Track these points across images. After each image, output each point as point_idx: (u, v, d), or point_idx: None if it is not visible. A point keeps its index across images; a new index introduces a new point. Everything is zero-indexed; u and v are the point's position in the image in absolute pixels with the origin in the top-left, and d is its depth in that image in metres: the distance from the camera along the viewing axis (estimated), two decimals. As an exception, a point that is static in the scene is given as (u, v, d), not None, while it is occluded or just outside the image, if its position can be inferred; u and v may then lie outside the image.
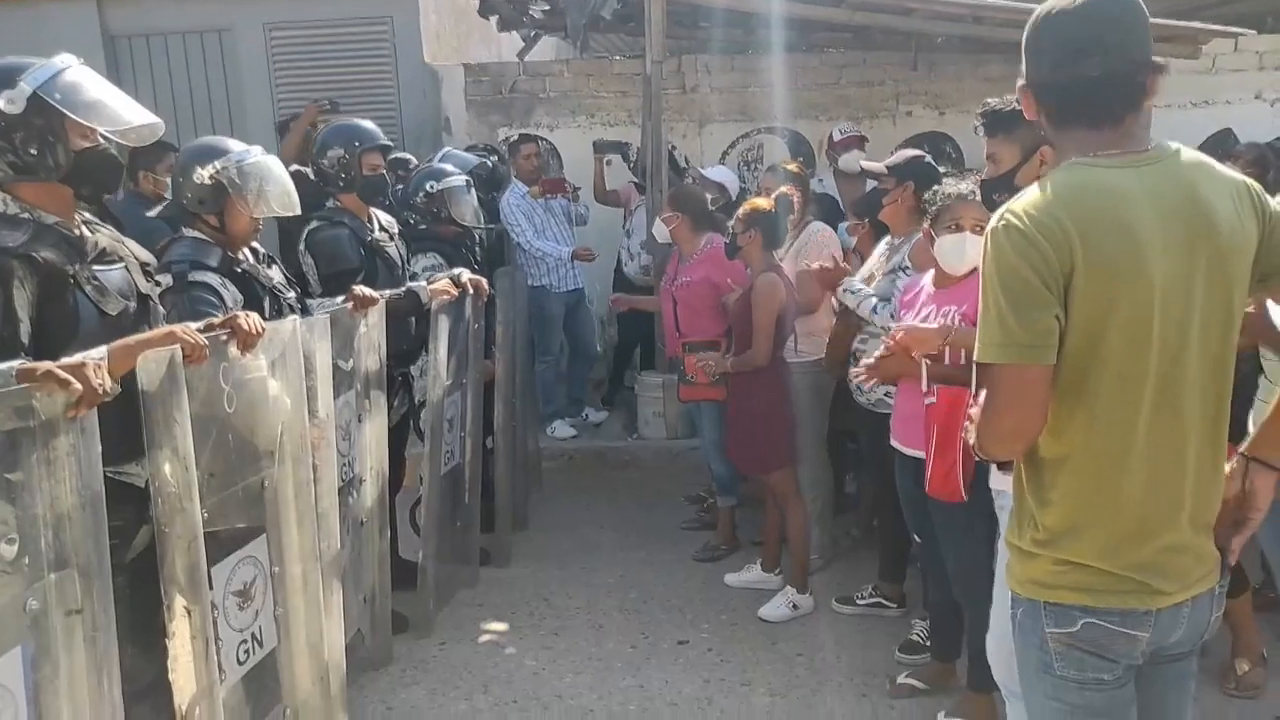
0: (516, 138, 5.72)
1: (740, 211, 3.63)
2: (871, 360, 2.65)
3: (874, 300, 3.12)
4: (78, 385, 1.60)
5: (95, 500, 1.65)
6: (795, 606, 3.53)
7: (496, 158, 5.49)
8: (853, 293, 3.18)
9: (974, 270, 2.61)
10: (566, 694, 3.05)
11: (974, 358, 1.45)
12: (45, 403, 1.57)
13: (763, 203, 3.63)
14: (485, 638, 3.45)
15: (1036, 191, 1.42)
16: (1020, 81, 1.52)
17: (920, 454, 2.65)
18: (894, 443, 2.85)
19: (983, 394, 1.47)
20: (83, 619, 1.63)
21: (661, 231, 4.17)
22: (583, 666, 3.21)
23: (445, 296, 3.39)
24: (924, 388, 2.53)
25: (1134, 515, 1.44)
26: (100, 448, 1.65)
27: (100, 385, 1.62)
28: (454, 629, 3.48)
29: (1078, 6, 1.42)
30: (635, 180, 5.73)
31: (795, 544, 3.58)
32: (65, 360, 1.65)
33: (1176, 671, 1.57)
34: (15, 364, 1.65)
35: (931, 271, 2.74)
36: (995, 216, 1.43)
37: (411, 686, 3.11)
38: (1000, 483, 2.23)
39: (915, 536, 2.87)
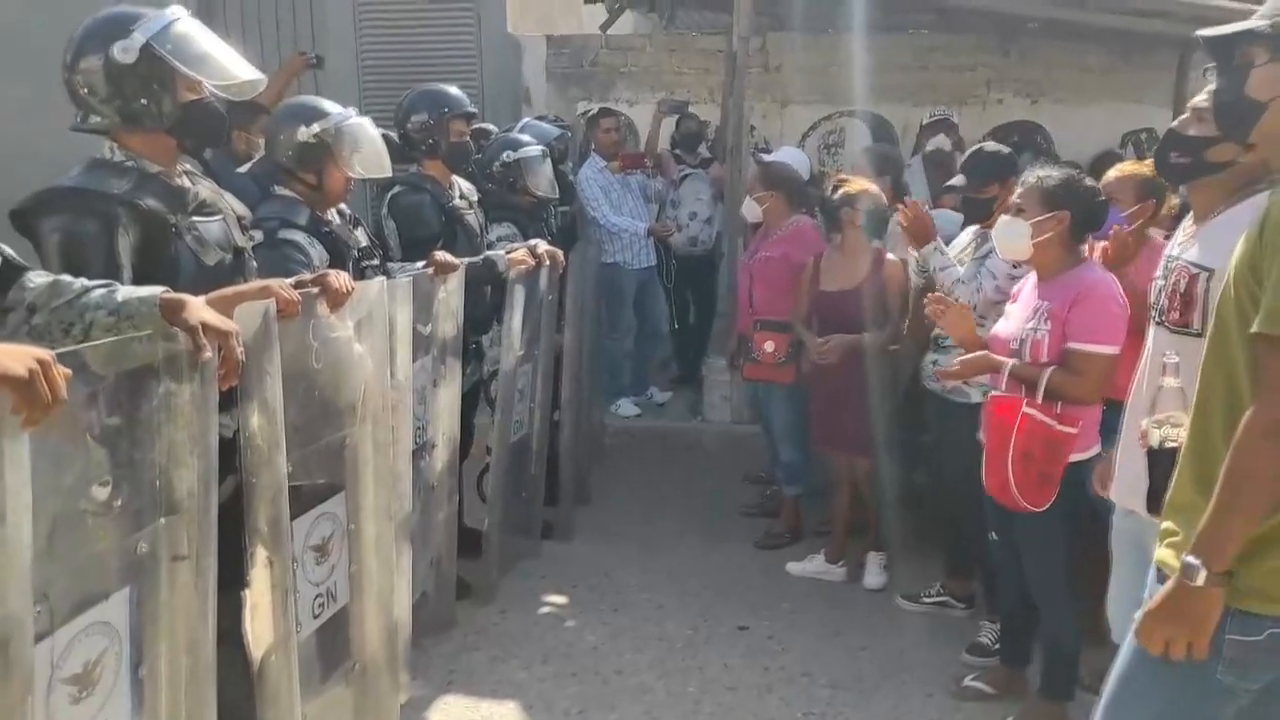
0: (596, 111, 5.68)
1: (849, 190, 3.60)
2: (968, 359, 2.61)
3: (958, 272, 3.05)
4: (209, 354, 1.62)
5: (209, 450, 1.67)
6: (885, 568, 3.66)
7: (566, 131, 5.46)
8: (941, 252, 3.11)
9: (1067, 265, 2.54)
10: (625, 670, 3.05)
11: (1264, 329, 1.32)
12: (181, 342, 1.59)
13: (866, 183, 3.62)
14: (545, 609, 3.47)
15: None
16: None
17: None
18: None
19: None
20: (188, 565, 1.66)
21: (754, 210, 4.08)
22: (642, 645, 3.20)
23: (523, 266, 3.38)
24: (1001, 388, 2.48)
25: None
26: (217, 397, 1.67)
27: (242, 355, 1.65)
28: (515, 598, 3.50)
29: None
30: (676, 150, 5.67)
31: (874, 512, 3.68)
32: (214, 320, 1.65)
33: None
34: (159, 291, 1.65)
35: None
36: None
37: (472, 652, 3.13)
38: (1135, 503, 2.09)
39: (993, 535, 2.79)
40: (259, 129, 4.08)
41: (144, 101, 1.95)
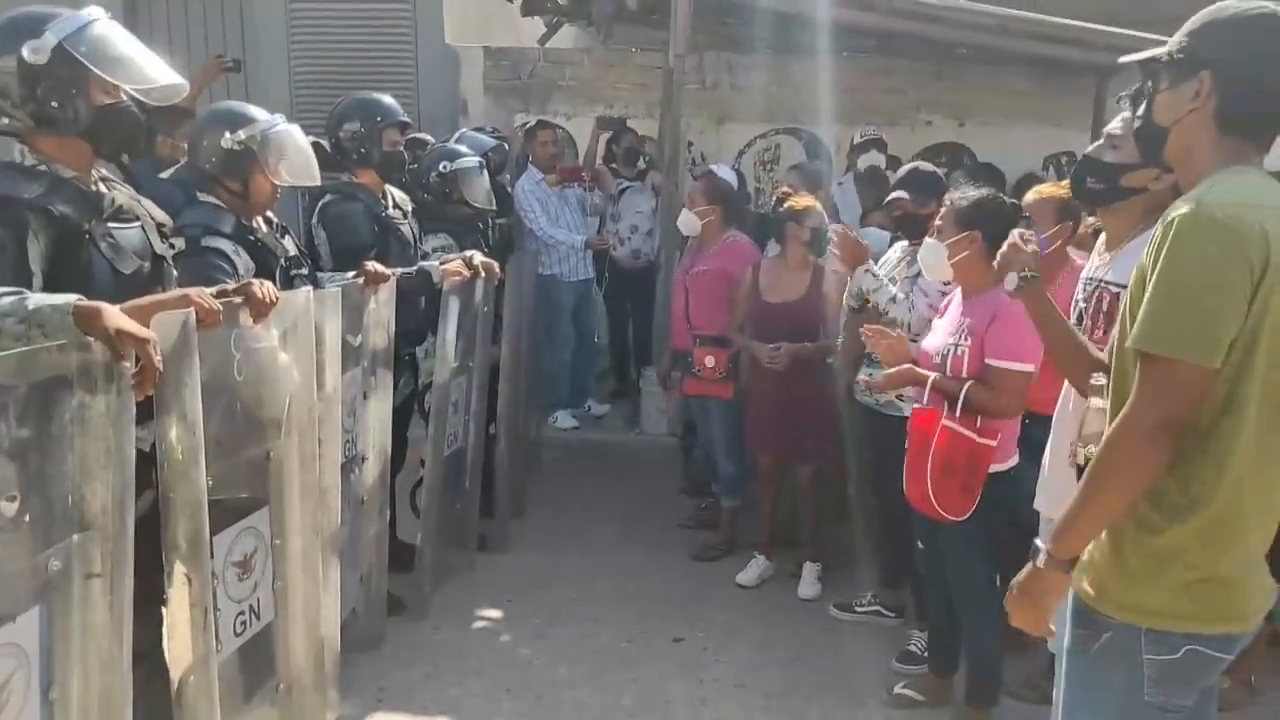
0: (534, 124, 5.68)
1: (795, 205, 3.67)
2: (891, 373, 2.67)
3: (891, 291, 3.11)
4: (129, 364, 1.57)
5: (125, 463, 1.62)
6: (820, 579, 3.70)
7: (502, 142, 5.45)
8: (874, 275, 3.17)
9: (988, 283, 2.62)
10: (560, 684, 3.02)
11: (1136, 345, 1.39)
12: (96, 351, 1.54)
13: (811, 201, 3.68)
14: (480, 624, 3.42)
15: (1221, 188, 1.37)
16: (1205, 70, 1.43)
17: None
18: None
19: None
20: (102, 582, 1.60)
21: (692, 223, 4.07)
22: (577, 658, 3.18)
23: (457, 277, 3.35)
24: (923, 401, 2.56)
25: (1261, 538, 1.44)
26: (134, 410, 1.61)
27: (160, 365, 1.60)
28: (449, 613, 3.45)
29: None
30: (612, 165, 5.73)
31: (813, 520, 3.75)
32: (129, 327, 1.59)
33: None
34: (73, 299, 1.59)
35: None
36: (1181, 205, 1.37)
37: (405, 668, 3.07)
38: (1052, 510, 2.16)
39: (919, 544, 2.85)
40: (183, 134, 3.98)
41: (55, 104, 1.88)
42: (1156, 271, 1.37)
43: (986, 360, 2.55)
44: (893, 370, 2.71)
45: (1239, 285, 1.33)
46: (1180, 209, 1.37)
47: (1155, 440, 1.39)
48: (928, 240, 2.72)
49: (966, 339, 2.59)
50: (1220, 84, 1.42)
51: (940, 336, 2.70)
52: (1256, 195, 1.38)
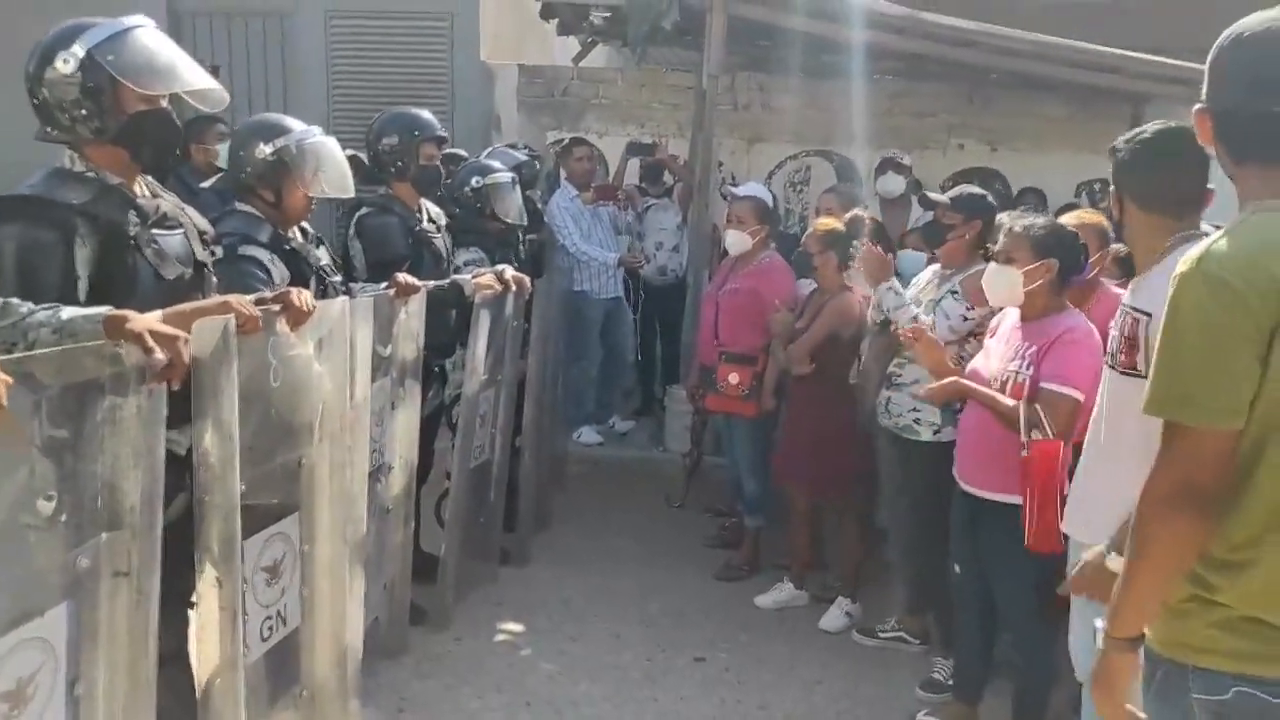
0: (568, 141, 5.73)
1: (816, 231, 3.62)
2: (938, 386, 2.64)
3: (913, 311, 3.09)
4: (161, 356, 1.60)
5: (155, 465, 1.64)
6: (850, 615, 3.58)
7: (534, 159, 5.49)
8: (895, 293, 3.15)
9: (1052, 309, 2.60)
10: (580, 701, 3.01)
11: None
12: (126, 355, 1.57)
13: (836, 223, 3.63)
14: (501, 636, 3.42)
15: (1234, 234, 1.32)
16: (1198, 105, 1.43)
17: (983, 494, 2.64)
18: (958, 478, 2.79)
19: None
20: (129, 581, 1.62)
21: (743, 242, 4.01)
22: (598, 675, 3.17)
23: (489, 291, 3.38)
24: (1023, 438, 2.40)
25: None
26: (165, 412, 1.64)
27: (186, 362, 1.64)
28: (470, 625, 3.45)
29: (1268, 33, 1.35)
30: (640, 184, 5.77)
31: (848, 556, 3.69)
32: (158, 327, 1.65)
33: None
34: (104, 310, 1.65)
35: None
36: (1187, 260, 1.33)
37: (426, 679, 3.08)
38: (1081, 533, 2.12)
39: (956, 568, 2.82)
40: (215, 137, 4.06)
41: (84, 112, 1.91)
42: (1161, 330, 1.33)
43: (1040, 383, 2.51)
44: (940, 383, 2.68)
45: (1243, 343, 1.27)
46: (1183, 264, 1.32)
47: (1175, 506, 1.32)
48: (994, 265, 2.66)
49: (1029, 366, 2.56)
50: (1215, 119, 1.42)
51: (997, 360, 2.66)
52: (1270, 238, 1.30)
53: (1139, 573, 1.38)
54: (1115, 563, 1.46)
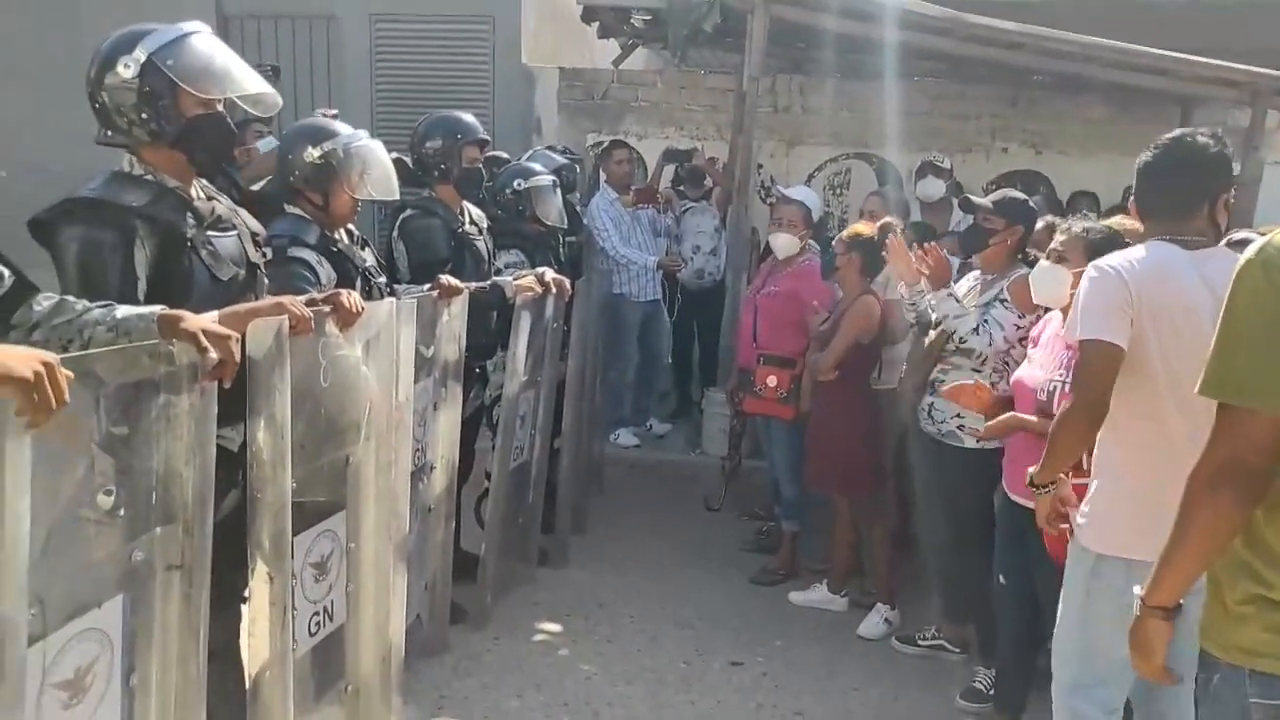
0: (608, 143, 5.75)
1: (844, 233, 3.61)
2: (996, 423, 2.65)
3: (971, 321, 3.04)
4: (215, 355, 1.64)
5: (207, 461, 1.68)
6: (889, 622, 3.56)
7: (574, 161, 5.51)
8: (956, 299, 3.12)
9: None
10: (617, 702, 3.02)
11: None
12: (179, 354, 1.61)
13: (865, 228, 3.59)
14: (539, 637, 3.45)
15: None
16: None
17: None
18: (1008, 489, 2.76)
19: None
20: (181, 575, 1.66)
21: (791, 245, 4.01)
22: (635, 676, 3.18)
23: (530, 293, 3.40)
24: (1088, 470, 2.31)
25: None
26: (215, 409, 1.68)
27: (237, 360, 1.67)
28: (509, 625, 3.48)
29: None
30: (678, 187, 5.77)
31: (880, 563, 3.63)
32: (211, 327, 1.69)
33: None
34: (157, 309, 1.70)
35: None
36: (1253, 249, 1.37)
37: (465, 678, 3.11)
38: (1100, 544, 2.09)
39: (1000, 579, 2.79)
40: (253, 135, 4.13)
41: (145, 116, 1.96)
42: (1222, 313, 1.37)
43: None
44: (997, 421, 2.66)
45: None
46: (1247, 252, 1.37)
47: (1221, 485, 1.37)
48: (1045, 263, 2.65)
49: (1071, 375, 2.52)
50: None
51: (1041, 369, 2.63)
52: None
53: (1180, 547, 1.44)
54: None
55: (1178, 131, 2.11)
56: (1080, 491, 2.19)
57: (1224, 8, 5.63)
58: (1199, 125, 2.29)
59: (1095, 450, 2.11)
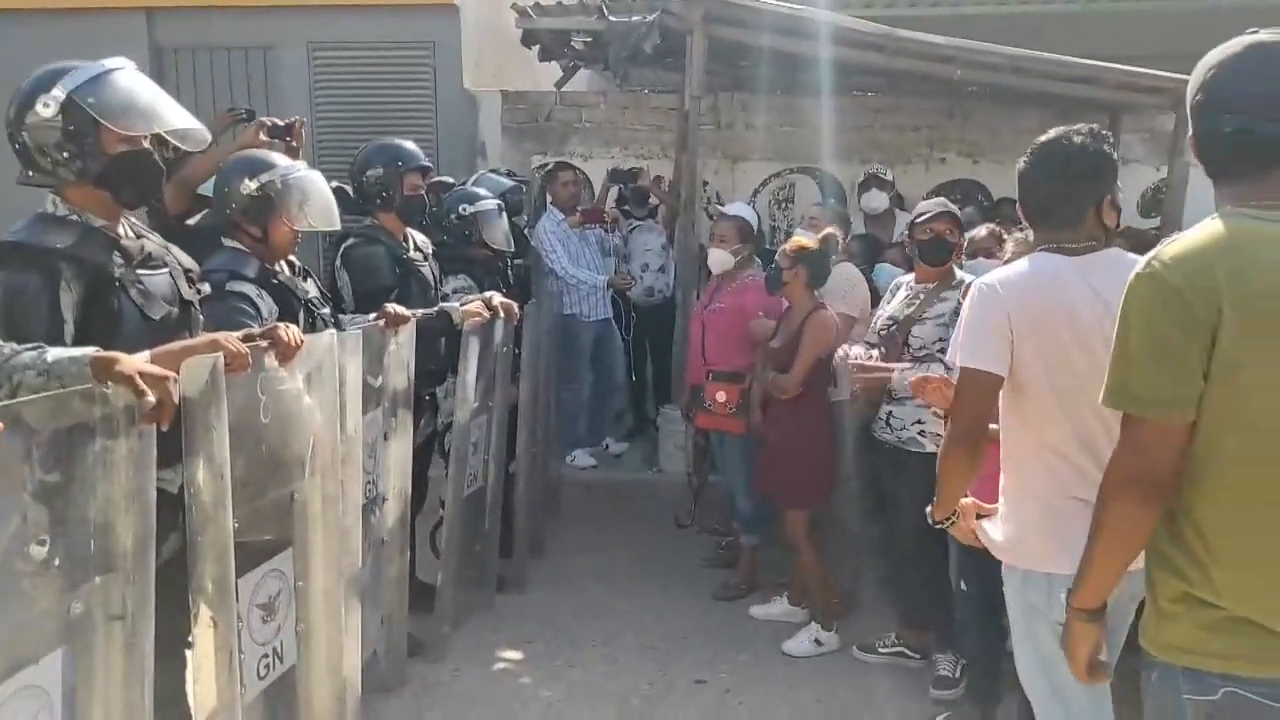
0: (553, 165, 5.76)
1: (787, 247, 3.63)
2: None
3: (919, 369, 3.07)
4: (151, 398, 1.61)
5: (146, 506, 1.64)
6: (819, 643, 3.50)
7: (520, 184, 5.50)
8: (901, 372, 3.14)
9: None
10: (581, 728, 3.00)
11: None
12: (114, 397, 1.57)
13: (809, 241, 3.63)
14: (500, 665, 3.40)
15: (1184, 238, 1.40)
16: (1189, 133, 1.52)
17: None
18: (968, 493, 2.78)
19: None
20: (124, 625, 1.61)
21: (725, 261, 4.04)
22: (598, 701, 3.15)
23: (478, 318, 3.38)
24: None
25: None
26: (155, 453, 1.64)
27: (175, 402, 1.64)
28: (468, 655, 3.43)
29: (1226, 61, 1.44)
30: (623, 207, 5.80)
31: (814, 582, 3.58)
32: (147, 368, 1.65)
33: None
34: (90, 351, 1.65)
35: None
36: (1143, 262, 1.41)
37: (425, 712, 3.06)
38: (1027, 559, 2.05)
39: (963, 585, 2.83)
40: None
41: (67, 155, 1.92)
42: (1117, 325, 1.43)
43: None
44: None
45: (1186, 340, 1.34)
46: (1140, 263, 1.42)
47: (1127, 494, 1.43)
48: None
49: None
50: (1195, 134, 1.49)
51: None
52: (1218, 240, 1.37)
53: (1096, 550, 1.50)
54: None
55: (1053, 133, 1.98)
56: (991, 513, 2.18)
57: (1150, 14, 5.84)
58: (1127, 131, 2.32)
59: (1001, 473, 2.07)
